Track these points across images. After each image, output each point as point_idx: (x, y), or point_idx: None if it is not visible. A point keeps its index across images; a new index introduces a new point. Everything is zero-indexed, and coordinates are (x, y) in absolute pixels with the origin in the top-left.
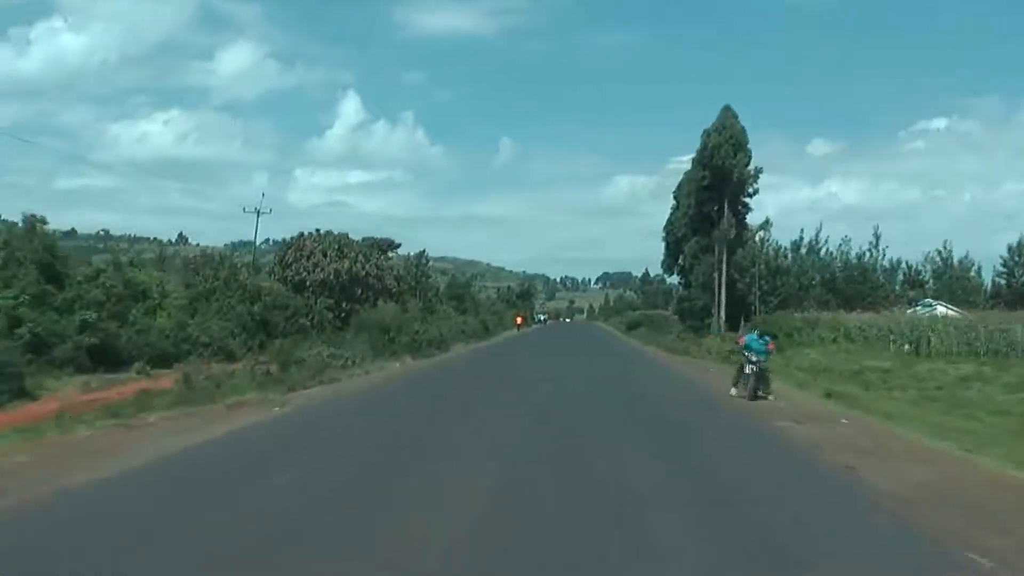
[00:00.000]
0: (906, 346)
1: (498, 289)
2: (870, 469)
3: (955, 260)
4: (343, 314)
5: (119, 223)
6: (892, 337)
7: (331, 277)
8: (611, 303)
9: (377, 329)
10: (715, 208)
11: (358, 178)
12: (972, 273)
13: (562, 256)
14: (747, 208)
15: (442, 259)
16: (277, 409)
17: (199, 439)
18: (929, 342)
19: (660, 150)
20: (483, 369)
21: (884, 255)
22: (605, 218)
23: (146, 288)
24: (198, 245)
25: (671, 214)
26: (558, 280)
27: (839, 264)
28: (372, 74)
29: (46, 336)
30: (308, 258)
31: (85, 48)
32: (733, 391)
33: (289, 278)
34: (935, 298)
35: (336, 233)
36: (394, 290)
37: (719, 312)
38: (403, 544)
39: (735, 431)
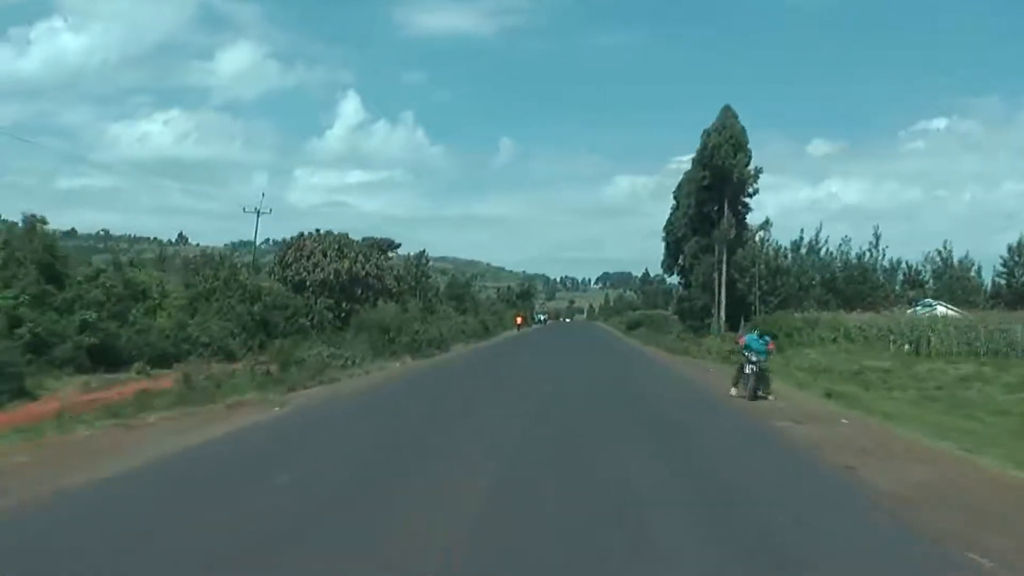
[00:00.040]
0: (906, 346)
1: (498, 289)
2: (870, 469)
3: (955, 260)
4: (343, 314)
5: (119, 223)
6: (892, 337)
7: (331, 277)
8: (611, 303)
9: (377, 329)
10: (715, 208)
11: (358, 178)
12: (972, 273)
13: (562, 256)
14: (747, 208)
15: (442, 259)
16: (277, 409)
17: (199, 439)
18: (929, 342)
19: (660, 150)
20: (483, 369)
21: (884, 255)
22: (605, 218)
23: (146, 288)
24: (198, 245)
25: (671, 214)
26: (558, 280)
27: (839, 264)
28: (372, 74)
29: (46, 336)
30: (308, 258)
31: (85, 48)
32: (733, 391)
33: (289, 278)
34: (935, 298)
35: (336, 233)
36: (394, 290)
37: (719, 312)
38: (403, 544)
39: (735, 431)
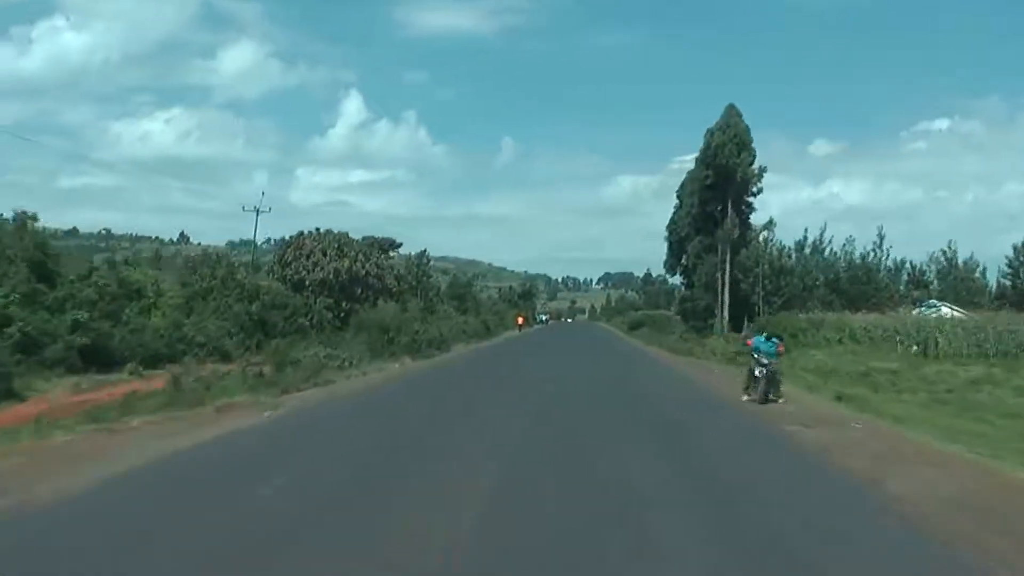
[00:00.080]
0: (913, 347)
1: (499, 289)
2: (882, 473)
3: (960, 261)
4: (343, 314)
5: (121, 222)
6: (899, 338)
7: (331, 276)
8: (613, 303)
9: (376, 329)
10: (718, 208)
11: (360, 177)
12: (977, 274)
13: (564, 256)
14: (751, 208)
15: (444, 259)
16: (269, 412)
17: (184, 444)
18: (937, 343)
19: (661, 150)
20: (484, 369)
21: (888, 255)
22: (606, 218)
23: (141, 287)
24: (199, 244)
25: (674, 213)
26: (560, 280)
27: (843, 264)
28: (374, 73)
29: (36, 336)
30: (308, 257)
31: (87, 47)
32: (744, 397)
33: (288, 277)
34: (939, 299)
35: (336, 232)
36: (394, 290)
37: (722, 312)
38: (403, 545)
39: (743, 434)
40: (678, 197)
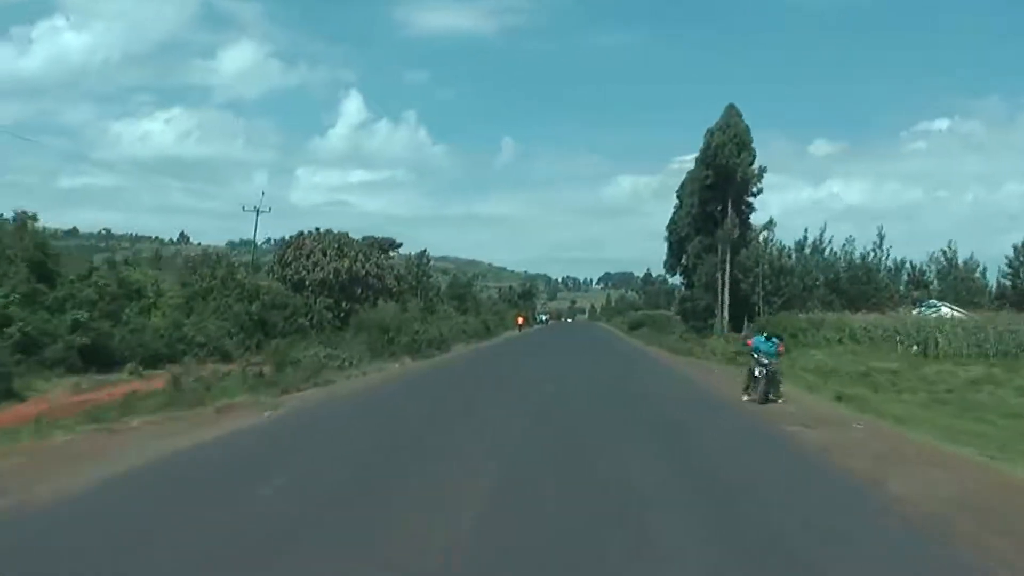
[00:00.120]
0: (913, 347)
1: (500, 289)
2: (883, 474)
3: (960, 261)
4: (342, 314)
5: (121, 222)
6: (899, 338)
7: (330, 276)
8: (613, 303)
9: (376, 329)
10: (719, 207)
11: (360, 177)
12: (977, 274)
13: (563, 256)
14: (751, 208)
15: (444, 259)
16: (268, 412)
17: (184, 444)
18: (937, 343)
19: (661, 150)
20: (484, 369)
21: (888, 255)
22: (606, 218)
23: (141, 287)
24: (199, 244)
25: (674, 213)
26: (559, 280)
27: (843, 264)
28: (374, 73)
29: (36, 336)
30: (307, 257)
31: (87, 47)
32: (744, 397)
33: (288, 277)
34: (939, 299)
35: (336, 232)
36: (394, 289)
37: (722, 312)
38: (403, 545)
39: (742, 434)
40: (678, 197)
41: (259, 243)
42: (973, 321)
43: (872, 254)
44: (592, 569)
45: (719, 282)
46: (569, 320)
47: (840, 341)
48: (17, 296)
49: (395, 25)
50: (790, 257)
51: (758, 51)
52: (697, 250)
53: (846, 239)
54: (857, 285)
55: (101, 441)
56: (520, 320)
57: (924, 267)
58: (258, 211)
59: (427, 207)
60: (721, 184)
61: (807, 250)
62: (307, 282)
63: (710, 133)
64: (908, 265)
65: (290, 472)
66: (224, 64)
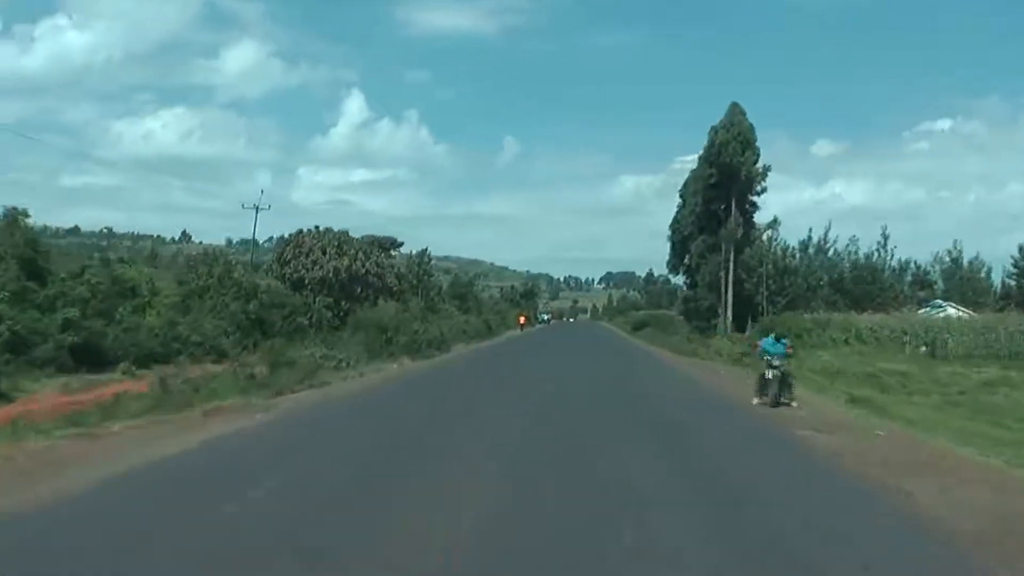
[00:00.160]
0: (922, 348)
1: (501, 288)
2: (899, 481)
3: (965, 261)
4: (342, 313)
5: (123, 221)
6: (906, 339)
7: (330, 275)
8: (615, 303)
9: (374, 329)
10: (722, 207)
11: (362, 176)
12: (982, 274)
13: (565, 256)
14: (755, 207)
15: (445, 258)
16: (260, 416)
17: (169, 449)
18: (946, 344)
19: (663, 150)
20: (484, 369)
21: (892, 255)
22: (608, 218)
23: (135, 285)
24: (201, 243)
25: (677, 212)
26: (561, 280)
27: (847, 264)
28: (375, 73)
29: (26, 335)
30: (307, 255)
31: (89, 46)
32: (755, 400)
33: (287, 276)
34: (944, 299)
35: (336, 230)
36: (395, 289)
37: (726, 312)
38: (403, 545)
39: (752, 437)
40: (681, 196)
41: (261, 242)
42: (982, 322)
43: (876, 254)
44: (592, 569)
45: (722, 282)
46: (571, 320)
47: (847, 342)
48: (6, 294)
49: (396, 25)
50: (794, 257)
51: (759, 51)
52: (700, 249)
53: (850, 239)
54: (861, 285)
55: (80, 447)
56: (522, 320)
57: (928, 267)
58: (257, 209)
59: (429, 206)
60: (725, 183)
61: (811, 250)
62: (306, 281)
63: (714, 131)
64: (912, 265)
65: (279, 478)
66: (226, 63)
